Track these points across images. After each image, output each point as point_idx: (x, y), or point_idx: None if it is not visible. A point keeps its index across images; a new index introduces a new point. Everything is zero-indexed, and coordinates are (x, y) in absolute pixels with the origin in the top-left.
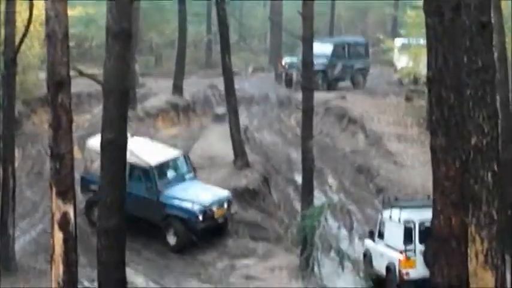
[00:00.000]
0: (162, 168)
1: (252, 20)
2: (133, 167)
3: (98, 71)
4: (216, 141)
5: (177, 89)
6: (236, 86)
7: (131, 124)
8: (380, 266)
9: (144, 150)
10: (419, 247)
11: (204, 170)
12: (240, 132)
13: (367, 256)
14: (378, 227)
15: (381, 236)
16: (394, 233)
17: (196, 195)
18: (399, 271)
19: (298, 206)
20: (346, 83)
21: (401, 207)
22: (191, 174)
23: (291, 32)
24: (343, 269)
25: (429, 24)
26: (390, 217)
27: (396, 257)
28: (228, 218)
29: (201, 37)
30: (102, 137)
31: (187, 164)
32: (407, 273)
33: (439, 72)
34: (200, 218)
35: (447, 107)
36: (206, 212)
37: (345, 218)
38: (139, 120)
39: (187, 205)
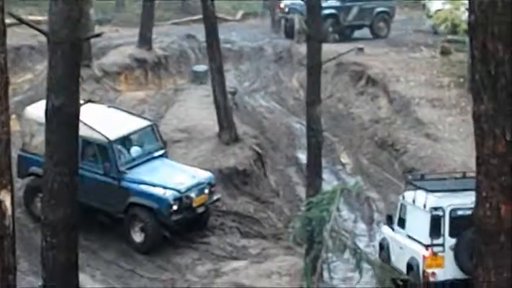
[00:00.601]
0: (124, 143)
1: None
2: (86, 142)
3: (41, 17)
4: (195, 108)
5: (145, 40)
6: (221, 37)
7: (85, 86)
8: (400, 262)
9: (100, 120)
10: (450, 241)
11: (180, 145)
12: (226, 97)
13: (384, 248)
14: (398, 213)
15: (402, 224)
16: (418, 222)
17: (169, 178)
18: (423, 271)
19: (302, 192)
20: (364, 32)
21: (428, 190)
22: (161, 151)
23: None
24: (360, 274)
25: None
26: (413, 201)
27: (420, 252)
28: (210, 208)
29: None
30: (47, 103)
31: (155, 138)
32: (433, 274)
33: (484, 17)
34: (174, 207)
35: (494, 62)
36: (182, 199)
37: (363, 207)
38: (96, 80)
39: (157, 191)
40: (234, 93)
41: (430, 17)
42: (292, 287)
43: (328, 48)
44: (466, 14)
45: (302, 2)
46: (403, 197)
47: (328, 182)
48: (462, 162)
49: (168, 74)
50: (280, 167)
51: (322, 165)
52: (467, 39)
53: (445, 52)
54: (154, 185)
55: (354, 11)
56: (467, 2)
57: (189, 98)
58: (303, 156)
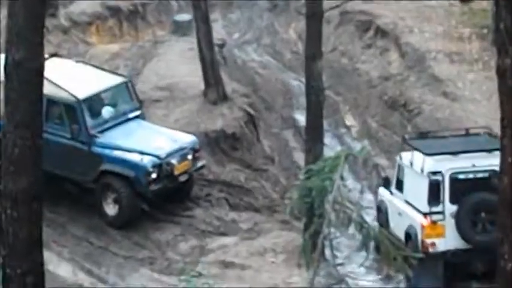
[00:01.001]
0: (95, 102)
1: None
2: (51, 102)
3: None
4: (177, 62)
5: None
6: None
7: (50, 38)
8: (398, 229)
9: (66, 76)
10: (450, 208)
11: (160, 105)
12: (213, 50)
13: (383, 211)
14: (395, 174)
15: (400, 187)
16: (416, 188)
17: (147, 142)
18: (422, 241)
19: (300, 158)
20: None
21: (426, 153)
22: (137, 112)
23: None
24: (367, 251)
25: None
26: (411, 164)
27: (418, 221)
28: (194, 176)
29: None
30: (6, 57)
31: (130, 96)
32: (432, 244)
33: None
34: (153, 175)
35: None
36: (162, 166)
37: (371, 175)
38: (63, 31)
39: (133, 157)
40: (222, 46)
41: None
42: (289, 266)
43: None
44: None
45: None
46: (400, 158)
47: (331, 148)
48: (485, 125)
49: (146, 24)
50: (276, 130)
51: (324, 128)
52: None
53: None
54: (129, 151)
55: None
56: None
57: (170, 51)
58: (301, 118)
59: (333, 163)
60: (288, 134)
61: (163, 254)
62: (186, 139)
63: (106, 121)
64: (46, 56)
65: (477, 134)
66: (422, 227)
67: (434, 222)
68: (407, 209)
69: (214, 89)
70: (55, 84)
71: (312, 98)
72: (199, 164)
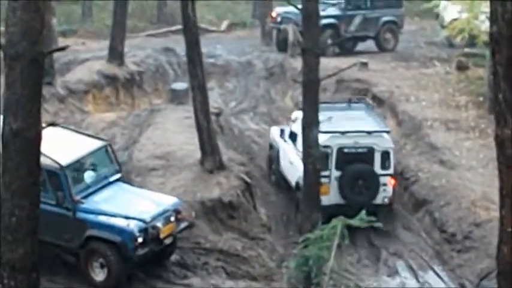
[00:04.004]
0: (78, 168)
1: None
2: None
3: None
4: (173, 131)
5: (116, 54)
6: (204, 50)
7: (47, 107)
8: (289, 175)
9: (50, 143)
10: (336, 174)
11: (156, 174)
12: (209, 118)
13: (274, 150)
14: (290, 127)
15: (293, 138)
16: None
17: (131, 206)
18: None
19: (297, 227)
20: (368, 45)
21: (321, 131)
22: (117, 175)
23: None
24: None
25: None
26: None
27: None
28: (176, 236)
29: None
30: (3, 126)
31: (110, 160)
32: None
33: (508, 27)
34: (140, 240)
35: None
36: (148, 230)
37: (369, 244)
38: (60, 100)
39: (119, 222)
40: (218, 115)
41: (444, 27)
42: None
43: (327, 63)
44: (487, 23)
45: (297, 11)
46: (296, 118)
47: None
48: (482, 193)
49: (143, 92)
50: (272, 199)
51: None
52: (487, 52)
53: (461, 67)
54: (115, 215)
55: (357, 20)
56: (487, 10)
57: (167, 119)
58: None
59: (330, 232)
60: (285, 201)
61: None
62: (169, 201)
63: (89, 186)
64: (43, 125)
65: (357, 102)
66: None
67: (322, 184)
68: (298, 163)
69: (210, 158)
70: None
71: (309, 167)
72: (183, 225)
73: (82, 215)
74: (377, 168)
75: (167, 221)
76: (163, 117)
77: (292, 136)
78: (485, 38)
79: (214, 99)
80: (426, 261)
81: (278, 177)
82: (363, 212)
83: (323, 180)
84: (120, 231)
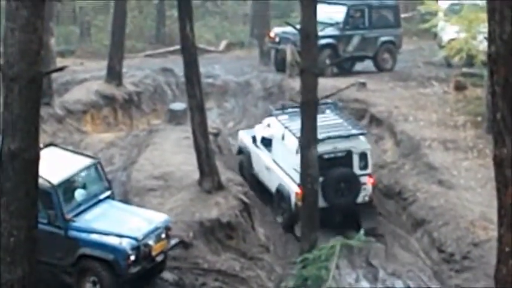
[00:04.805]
0: (68, 186)
1: None
2: None
3: None
4: (172, 151)
5: (114, 74)
6: (202, 70)
7: (45, 127)
8: (266, 180)
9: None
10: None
11: (155, 194)
12: (208, 139)
13: (245, 154)
14: (262, 134)
15: (266, 144)
16: (289, 160)
17: (123, 224)
18: (295, 203)
19: (296, 247)
20: (367, 65)
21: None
22: (107, 192)
23: None
24: None
25: None
26: (283, 137)
27: (293, 189)
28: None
29: None
30: (2, 147)
31: (100, 177)
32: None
33: (506, 47)
34: (132, 258)
35: None
36: (140, 248)
37: (367, 264)
38: (58, 120)
39: (112, 240)
40: (217, 135)
41: (442, 47)
42: None
43: (326, 83)
44: (485, 43)
45: (295, 31)
46: (269, 125)
47: (326, 235)
48: (480, 213)
49: (141, 113)
50: (270, 219)
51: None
52: (485, 72)
53: (459, 87)
54: (107, 234)
55: (355, 40)
56: (485, 30)
57: (165, 140)
58: None
59: (329, 252)
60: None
61: None
62: (160, 218)
63: (79, 204)
64: (41, 145)
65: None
66: (297, 194)
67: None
68: (277, 170)
69: (209, 178)
70: None
71: (308, 186)
72: (173, 242)
73: (74, 233)
74: (356, 169)
75: (158, 239)
76: (162, 137)
77: (265, 142)
78: (483, 58)
79: (213, 120)
80: (424, 281)
81: (251, 181)
82: (361, 231)
83: None
84: (112, 249)
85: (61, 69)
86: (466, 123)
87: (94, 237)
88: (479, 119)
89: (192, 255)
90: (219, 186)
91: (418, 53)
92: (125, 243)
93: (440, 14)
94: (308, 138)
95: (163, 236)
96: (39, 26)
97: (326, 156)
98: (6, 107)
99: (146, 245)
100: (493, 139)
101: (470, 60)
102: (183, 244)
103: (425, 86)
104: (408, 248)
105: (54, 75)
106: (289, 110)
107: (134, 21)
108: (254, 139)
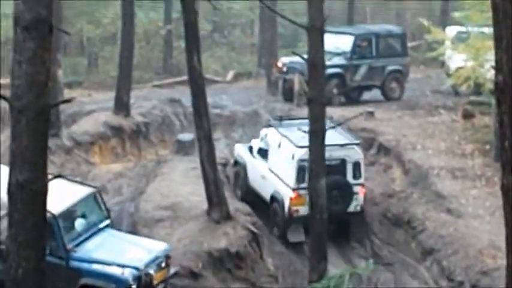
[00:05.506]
0: (69, 216)
1: (232, 3)
2: None
3: (3, 80)
4: (180, 182)
5: (122, 105)
6: (209, 100)
7: (53, 158)
8: (261, 189)
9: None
10: None
11: (163, 225)
12: (216, 169)
13: (241, 165)
14: (259, 144)
15: (263, 154)
16: (285, 167)
17: (123, 253)
18: (289, 208)
19: (305, 276)
20: (374, 94)
21: (297, 146)
22: (106, 221)
23: (291, 19)
24: None
25: (497, 5)
26: (279, 146)
27: (287, 194)
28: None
29: (157, 28)
30: (10, 178)
31: (99, 206)
32: (297, 210)
33: None
34: (134, 287)
35: None
36: (141, 278)
37: None
38: (66, 152)
39: (113, 270)
40: (225, 165)
41: (449, 75)
42: None
43: (333, 113)
44: (492, 72)
45: (302, 60)
46: (266, 136)
47: (335, 265)
48: (489, 241)
49: (149, 143)
50: (279, 249)
51: (327, 245)
52: (493, 100)
53: (467, 115)
54: (108, 263)
55: (362, 70)
56: (493, 58)
57: (173, 170)
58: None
59: (338, 281)
60: (293, 252)
61: None
62: (160, 247)
63: (80, 234)
64: (49, 177)
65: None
66: (291, 198)
67: (300, 195)
68: (273, 178)
69: (217, 208)
70: None
71: (316, 216)
72: (173, 270)
73: (75, 263)
74: (349, 178)
75: (159, 268)
76: (170, 168)
77: (262, 152)
78: (490, 86)
79: (221, 150)
80: None
81: (245, 191)
82: (370, 260)
83: (300, 192)
84: (115, 279)
85: (69, 100)
86: (474, 152)
87: (96, 267)
88: (487, 147)
89: (201, 285)
90: (228, 216)
91: (425, 82)
92: (127, 273)
93: (448, 43)
94: (317, 167)
95: (163, 264)
96: (47, 57)
97: None
98: (14, 139)
99: (147, 275)
100: (501, 167)
101: (477, 89)
102: (192, 274)
103: (433, 115)
104: (417, 277)
105: (62, 106)
106: (286, 121)
107: (141, 52)
108: (251, 150)
